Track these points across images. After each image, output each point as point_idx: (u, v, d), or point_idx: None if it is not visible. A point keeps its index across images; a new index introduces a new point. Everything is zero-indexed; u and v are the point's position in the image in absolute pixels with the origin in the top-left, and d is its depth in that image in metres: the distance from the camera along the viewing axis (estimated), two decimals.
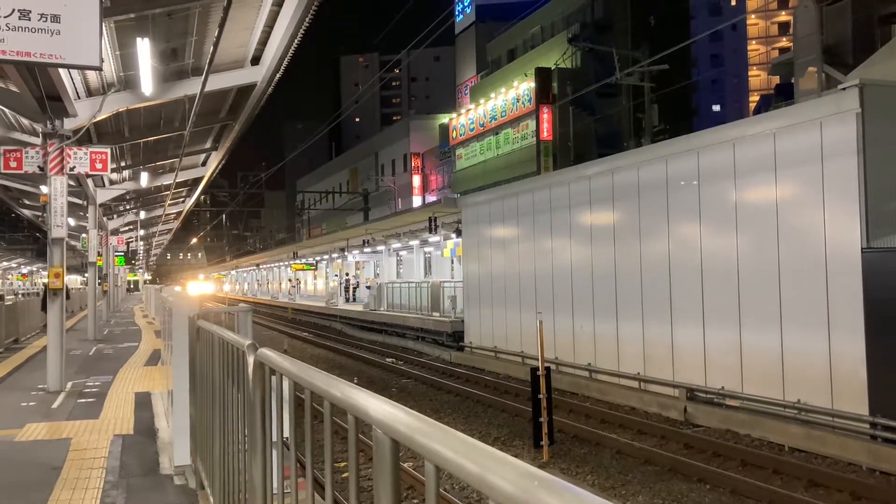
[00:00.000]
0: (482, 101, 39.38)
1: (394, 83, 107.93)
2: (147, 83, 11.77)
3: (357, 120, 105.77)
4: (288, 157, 57.62)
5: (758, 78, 67.40)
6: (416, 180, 49.54)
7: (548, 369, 10.93)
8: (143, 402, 9.81)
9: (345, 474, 7.73)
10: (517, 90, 35.49)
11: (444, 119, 47.15)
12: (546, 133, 33.57)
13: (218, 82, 13.49)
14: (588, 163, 18.28)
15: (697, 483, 9.40)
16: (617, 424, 12.75)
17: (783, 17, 64.49)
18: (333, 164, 71.63)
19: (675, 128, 31.87)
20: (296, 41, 12.05)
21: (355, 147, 69.61)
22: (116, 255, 33.83)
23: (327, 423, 1.94)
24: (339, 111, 43.64)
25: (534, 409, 10.85)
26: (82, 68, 10.09)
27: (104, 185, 23.18)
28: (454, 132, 42.02)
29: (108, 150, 12.43)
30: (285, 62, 13.06)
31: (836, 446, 10.13)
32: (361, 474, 1.81)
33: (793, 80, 22.54)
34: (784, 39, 61.94)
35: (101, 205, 23.28)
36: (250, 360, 3.05)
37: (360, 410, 1.60)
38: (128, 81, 13.26)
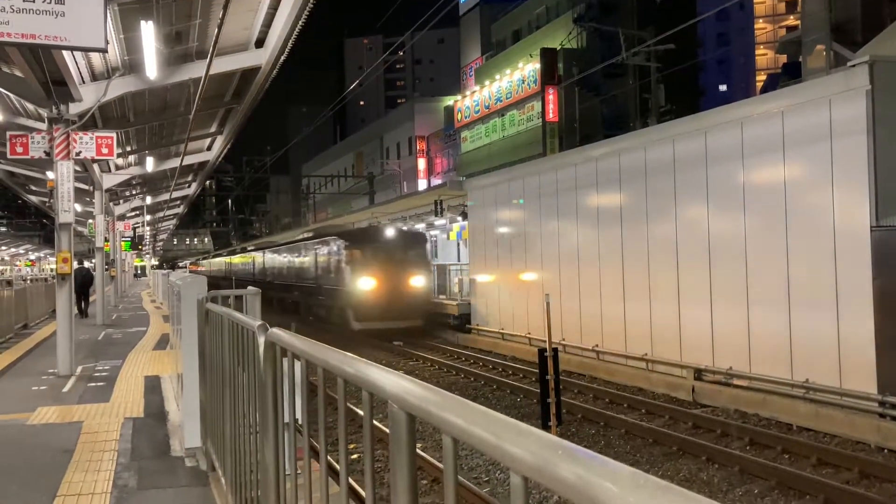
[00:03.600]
0: (487, 82, 39.19)
1: (398, 66, 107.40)
2: (151, 67, 11.73)
3: (361, 103, 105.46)
4: (293, 140, 57.53)
5: (765, 57, 66.89)
6: (422, 163, 49.43)
7: (555, 350, 10.94)
8: (153, 386, 9.86)
9: (354, 455, 7.76)
10: (522, 71, 35.29)
11: (448, 101, 46.98)
12: (552, 114, 33.42)
13: (222, 65, 13.44)
14: (594, 144, 18.20)
15: (706, 462, 9.43)
16: (625, 405, 12.77)
17: None
18: (338, 148, 71.52)
19: (682, 108, 31.70)
20: (300, 23, 11.97)
21: (360, 130, 69.46)
22: (123, 241, 33.96)
23: (341, 400, 1.94)
24: (343, 94, 43.52)
25: (541, 390, 10.87)
26: (87, 50, 10.07)
27: (110, 171, 23.19)
28: (459, 114, 41.86)
29: (114, 135, 12.43)
30: (289, 44, 12.99)
31: (844, 425, 10.14)
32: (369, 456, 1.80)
33: (800, 59, 22.37)
34: (792, 17, 61.37)
35: (107, 190, 23.31)
36: (261, 340, 3.05)
37: (375, 386, 1.59)
38: (132, 65, 13.22)
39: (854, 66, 10.70)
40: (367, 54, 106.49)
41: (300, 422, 2.61)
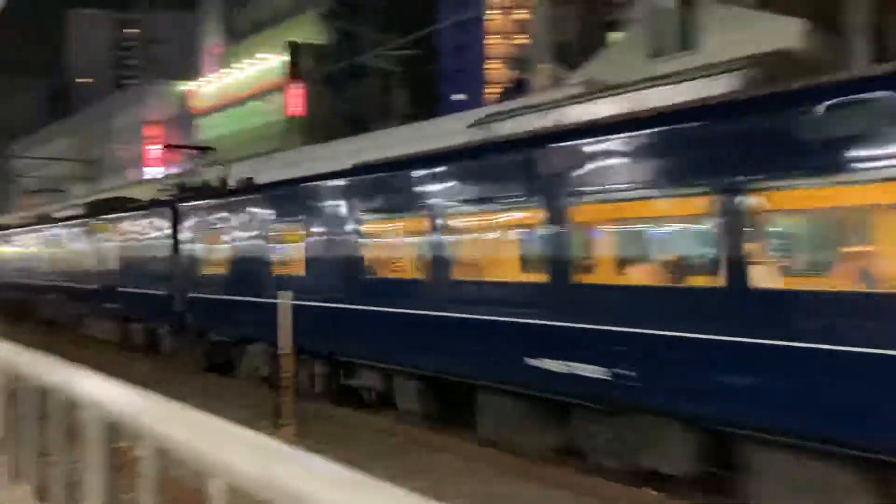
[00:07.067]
0: (227, 70, 37.87)
1: (126, 43, 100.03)
2: None
3: (86, 80, 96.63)
4: None
5: (499, 71, 71.88)
6: (154, 150, 46.40)
7: (299, 349, 10.75)
8: None
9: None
10: (265, 63, 34.60)
11: (185, 86, 44.64)
12: (295, 109, 33.15)
13: None
14: (327, 143, 18.35)
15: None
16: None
17: (523, 14, 69.35)
18: (58, 129, 64.82)
19: (424, 113, 33.07)
20: None
21: (84, 110, 63.57)
22: None
23: (48, 410, 1.69)
24: (63, 70, 39.43)
25: (276, 389, 10.64)
26: None
27: None
28: (197, 101, 39.95)
29: None
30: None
31: None
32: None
33: (527, 76, 24.41)
34: (522, 37, 66.70)
35: None
36: None
37: (72, 391, 1.40)
38: None
39: (573, 84, 11.87)
40: (95, 29, 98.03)
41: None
